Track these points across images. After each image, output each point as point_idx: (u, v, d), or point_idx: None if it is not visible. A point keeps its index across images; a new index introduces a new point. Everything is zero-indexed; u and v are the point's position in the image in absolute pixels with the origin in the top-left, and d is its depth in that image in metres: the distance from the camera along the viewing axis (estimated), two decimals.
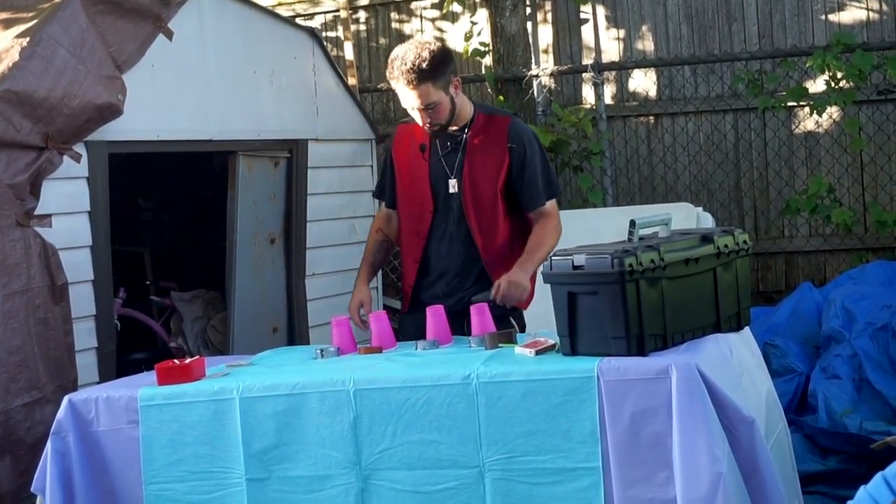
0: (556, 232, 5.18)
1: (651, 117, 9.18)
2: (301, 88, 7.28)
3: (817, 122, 8.62)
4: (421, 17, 10.07)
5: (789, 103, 8.36)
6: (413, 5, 10.08)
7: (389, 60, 5.07)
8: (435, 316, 4.74)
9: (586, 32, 9.41)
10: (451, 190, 5.18)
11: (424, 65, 4.97)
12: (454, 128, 5.17)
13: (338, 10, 10.07)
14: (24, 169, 5.36)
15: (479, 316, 4.70)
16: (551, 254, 4.21)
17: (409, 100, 5.05)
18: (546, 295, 4.21)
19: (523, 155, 5.14)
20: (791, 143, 8.82)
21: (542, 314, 4.74)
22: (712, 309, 4.31)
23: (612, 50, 9.33)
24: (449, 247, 5.20)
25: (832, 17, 8.76)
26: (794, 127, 8.82)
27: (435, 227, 5.23)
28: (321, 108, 7.32)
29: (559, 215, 5.24)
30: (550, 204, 5.22)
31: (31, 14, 5.62)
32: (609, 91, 9.25)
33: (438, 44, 5.17)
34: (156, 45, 6.12)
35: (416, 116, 5.11)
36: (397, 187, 5.37)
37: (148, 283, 8.37)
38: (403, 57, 5.01)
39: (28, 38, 5.39)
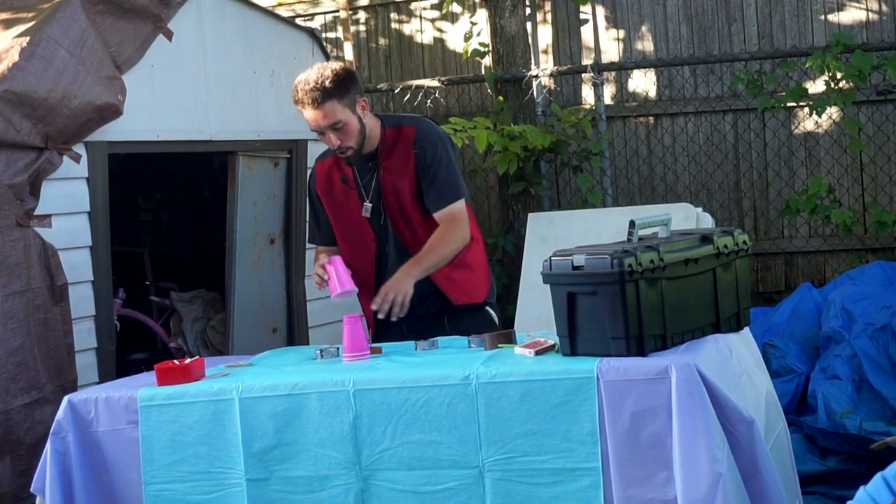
0: (455, 237, 5.06)
1: (651, 118, 9.18)
2: None
3: (817, 122, 8.62)
4: (420, 17, 10.06)
5: (789, 104, 8.36)
6: (413, 6, 10.08)
7: (294, 85, 4.99)
8: (351, 323, 4.63)
9: (586, 33, 9.41)
10: (365, 214, 5.12)
11: (328, 83, 4.89)
12: (368, 150, 5.08)
13: (337, 11, 10.08)
14: (23, 169, 5.37)
15: (349, 325, 4.62)
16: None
17: (316, 120, 4.96)
18: (546, 295, 4.21)
19: (425, 158, 5.04)
20: (791, 143, 8.82)
21: (541, 315, 4.74)
22: (712, 309, 4.30)
23: (611, 50, 9.33)
24: (395, 267, 5.07)
25: (832, 18, 8.76)
26: (793, 127, 8.82)
27: (379, 253, 5.18)
28: None
29: (466, 220, 5.11)
30: (454, 206, 5.08)
31: (31, 14, 5.63)
32: (609, 91, 9.25)
33: (342, 65, 5.07)
34: (156, 45, 6.13)
35: (326, 141, 5.03)
36: (333, 224, 5.26)
37: (147, 283, 8.38)
38: (306, 78, 4.94)
39: (28, 39, 5.40)
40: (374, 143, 5.10)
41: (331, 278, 4.87)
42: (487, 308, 5.24)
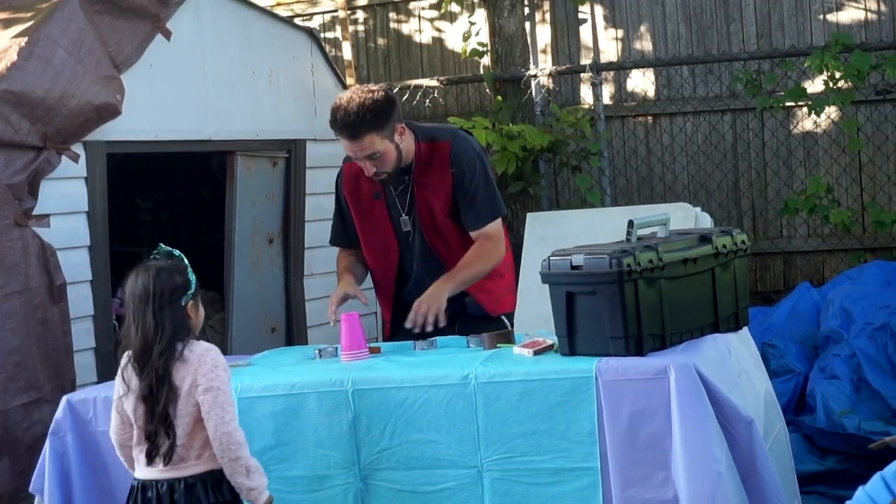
0: (492, 255, 5.03)
1: (649, 117, 9.18)
2: (299, 88, 7.28)
3: (815, 122, 8.62)
4: (419, 17, 10.06)
5: (787, 103, 8.36)
6: (411, 5, 10.08)
7: (332, 110, 4.89)
8: (348, 322, 4.61)
9: (585, 32, 9.40)
10: (405, 228, 5.08)
11: (368, 115, 4.80)
12: (402, 165, 5.00)
13: (336, 11, 10.08)
14: (22, 169, 5.37)
15: (347, 323, 4.61)
16: (548, 256, 4.19)
17: (353, 151, 4.90)
18: (544, 295, 4.20)
19: (463, 177, 4.98)
20: (789, 143, 8.82)
21: (540, 314, 4.74)
22: (711, 309, 4.30)
23: (610, 50, 9.32)
24: (418, 278, 5.06)
25: (830, 18, 8.75)
26: (792, 127, 8.81)
27: (401, 263, 5.14)
28: (319, 108, 7.32)
29: (502, 238, 5.09)
30: (492, 226, 5.04)
31: (29, 14, 5.63)
32: (607, 91, 9.24)
33: (383, 91, 4.95)
34: (154, 44, 6.13)
35: (362, 166, 4.95)
36: (358, 228, 5.21)
37: None
38: (346, 107, 4.83)
39: (26, 38, 5.40)
40: (409, 158, 5.02)
41: (343, 336, 4.66)
42: (502, 317, 5.16)
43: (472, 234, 5.03)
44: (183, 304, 3.92)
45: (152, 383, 3.82)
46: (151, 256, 4.00)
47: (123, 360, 3.93)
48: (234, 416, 3.84)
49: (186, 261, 4.00)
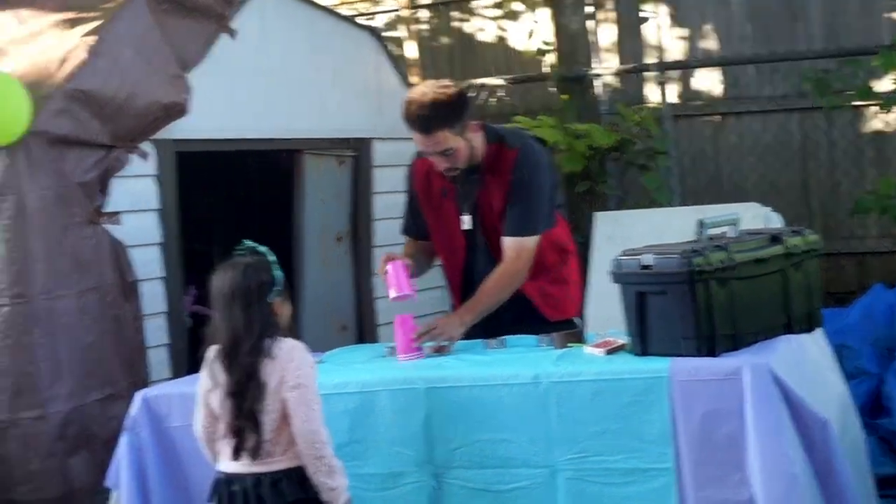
0: (512, 282, 4.91)
1: (717, 116, 9.12)
2: (364, 87, 7.30)
3: (886, 121, 8.53)
4: (482, 15, 10.06)
5: (856, 103, 8.28)
6: (474, 4, 10.09)
7: (405, 103, 4.87)
8: (403, 325, 4.65)
9: (649, 31, 9.37)
10: (466, 227, 5.05)
11: (441, 111, 4.79)
12: (472, 163, 4.98)
13: (399, 10, 10.10)
14: (92, 167, 5.43)
15: (401, 328, 4.64)
16: (619, 256, 4.16)
17: (425, 145, 4.88)
18: (614, 294, 4.19)
19: (520, 185, 4.91)
20: (859, 142, 8.74)
21: (611, 314, 4.72)
22: (783, 310, 4.27)
23: (674, 49, 9.29)
24: (483, 274, 5.00)
25: None
26: (861, 126, 8.73)
27: (467, 260, 5.12)
28: (384, 107, 7.33)
29: (530, 256, 4.94)
30: (527, 240, 4.93)
31: (96, 14, 5.68)
32: (673, 90, 9.20)
33: (456, 87, 4.94)
34: (219, 44, 6.16)
35: (433, 161, 4.94)
36: (429, 224, 5.19)
37: None
38: (420, 101, 4.81)
39: (94, 38, 5.46)
40: (479, 157, 5.00)
41: (389, 281, 4.80)
42: (574, 320, 5.11)
43: (505, 240, 4.95)
44: (270, 300, 3.93)
45: (240, 379, 3.83)
46: (236, 253, 4.00)
47: (210, 355, 3.94)
48: (319, 414, 3.85)
49: (272, 256, 4.00)
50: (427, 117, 4.79)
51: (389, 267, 4.80)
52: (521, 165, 4.94)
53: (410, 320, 4.68)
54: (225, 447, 3.91)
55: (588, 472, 4.00)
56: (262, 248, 4.01)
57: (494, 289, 4.91)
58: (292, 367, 3.86)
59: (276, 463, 3.87)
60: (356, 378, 4.31)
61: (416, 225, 5.29)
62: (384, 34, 8.63)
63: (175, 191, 5.91)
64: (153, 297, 5.73)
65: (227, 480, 3.90)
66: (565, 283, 5.19)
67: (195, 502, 4.40)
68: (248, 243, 4.03)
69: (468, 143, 4.90)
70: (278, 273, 3.96)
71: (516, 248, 4.93)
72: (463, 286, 5.12)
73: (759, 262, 4.17)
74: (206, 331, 3.99)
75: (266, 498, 3.84)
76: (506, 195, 4.95)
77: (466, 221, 5.05)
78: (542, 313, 5.07)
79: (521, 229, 4.94)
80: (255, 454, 3.84)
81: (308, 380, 3.86)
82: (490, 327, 4.85)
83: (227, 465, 3.92)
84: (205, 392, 3.96)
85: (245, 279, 3.88)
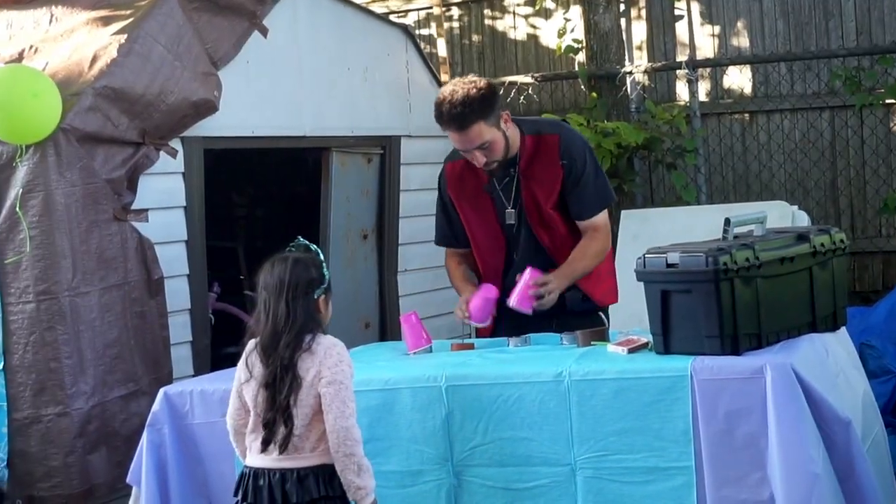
0: (599, 253, 5.05)
1: (746, 115, 9.08)
2: (394, 85, 7.30)
3: None
4: (514, 13, 10.05)
5: (887, 101, 8.23)
6: (506, 2, 10.07)
7: (436, 104, 4.89)
8: (407, 322, 4.73)
9: (680, 29, 9.33)
10: (510, 221, 5.06)
11: (474, 105, 4.80)
12: (508, 157, 5.00)
13: (431, 7, 10.10)
14: (121, 164, 5.45)
15: (406, 324, 4.78)
16: (644, 254, 4.16)
17: (462, 143, 4.89)
18: (639, 292, 4.18)
19: (573, 168, 4.97)
20: (889, 140, 8.68)
21: (635, 313, 4.71)
22: (808, 308, 4.25)
23: (706, 46, 9.24)
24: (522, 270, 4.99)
25: None
26: (892, 125, 8.67)
27: (508, 256, 5.13)
28: (414, 104, 7.34)
29: (608, 228, 5.12)
30: (600, 217, 5.07)
31: (128, 11, 5.70)
32: (703, 88, 9.16)
33: (484, 80, 4.95)
34: (251, 41, 6.18)
35: (472, 158, 4.94)
36: (465, 226, 5.19)
37: (241, 277, 8.44)
38: (451, 99, 4.83)
39: (125, 36, 5.47)
40: (514, 151, 5.02)
41: (406, 337, 4.87)
42: (599, 313, 5.09)
43: (581, 224, 5.05)
44: (315, 297, 3.95)
45: (277, 371, 3.84)
46: (287, 249, 4.04)
47: (249, 347, 3.96)
48: (353, 412, 3.84)
49: (322, 255, 4.03)
50: (461, 114, 4.81)
51: (404, 323, 4.86)
52: (569, 148, 5.01)
53: (412, 317, 4.80)
54: (254, 441, 3.92)
55: (608, 471, 3.99)
56: (314, 247, 4.06)
57: (581, 257, 4.99)
58: (330, 362, 3.87)
59: (304, 459, 3.87)
60: (378, 375, 4.31)
61: (452, 233, 5.29)
62: (416, 32, 8.62)
63: (201, 188, 5.93)
64: (177, 293, 5.75)
65: (254, 475, 3.91)
66: (610, 269, 5.25)
67: (215, 499, 4.42)
68: (301, 241, 4.08)
69: (503, 133, 4.92)
70: (326, 272, 4.00)
71: (591, 226, 5.04)
72: (503, 282, 5.10)
73: (784, 260, 4.15)
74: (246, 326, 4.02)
75: (291, 494, 3.84)
76: (559, 182, 4.98)
77: (511, 215, 5.07)
78: (592, 299, 5.10)
79: (591, 209, 5.04)
80: (284, 448, 3.84)
81: (345, 377, 3.87)
82: (516, 325, 4.86)
83: (255, 459, 3.92)
84: (239, 384, 3.97)
85: (294, 273, 3.91)
